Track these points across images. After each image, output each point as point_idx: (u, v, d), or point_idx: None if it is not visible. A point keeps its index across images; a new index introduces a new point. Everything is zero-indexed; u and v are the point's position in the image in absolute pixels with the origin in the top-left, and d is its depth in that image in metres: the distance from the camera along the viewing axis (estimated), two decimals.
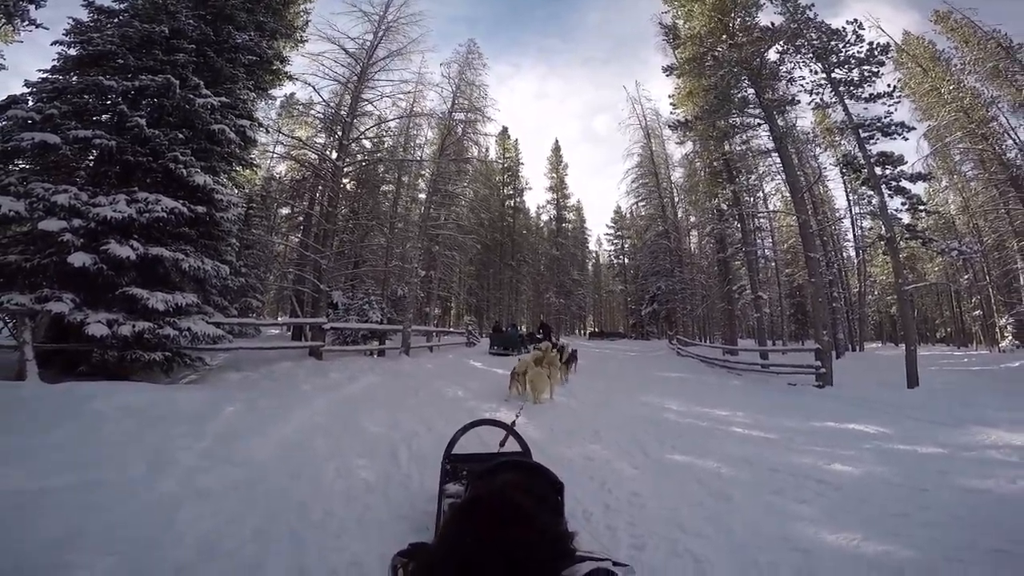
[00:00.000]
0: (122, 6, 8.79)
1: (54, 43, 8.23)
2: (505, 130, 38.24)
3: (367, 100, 16.61)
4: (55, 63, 8.22)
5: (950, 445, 5.34)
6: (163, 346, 7.25)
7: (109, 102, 7.99)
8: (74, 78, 7.94)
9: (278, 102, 19.79)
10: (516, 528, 0.89)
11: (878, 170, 12.88)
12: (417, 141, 22.56)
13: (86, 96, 7.86)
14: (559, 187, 42.71)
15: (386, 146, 20.64)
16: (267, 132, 15.06)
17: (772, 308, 28.31)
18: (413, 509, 3.42)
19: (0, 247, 6.96)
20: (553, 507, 1.07)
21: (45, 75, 8.02)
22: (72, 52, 8.24)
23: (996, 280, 23.31)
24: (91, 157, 8.12)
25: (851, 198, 25.35)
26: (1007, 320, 22.96)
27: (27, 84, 7.84)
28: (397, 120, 19.13)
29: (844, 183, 23.14)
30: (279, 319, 22.35)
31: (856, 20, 13.51)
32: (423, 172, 22.25)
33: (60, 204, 6.71)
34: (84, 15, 8.52)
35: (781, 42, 14.50)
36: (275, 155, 18.86)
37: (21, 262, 6.77)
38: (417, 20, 17.26)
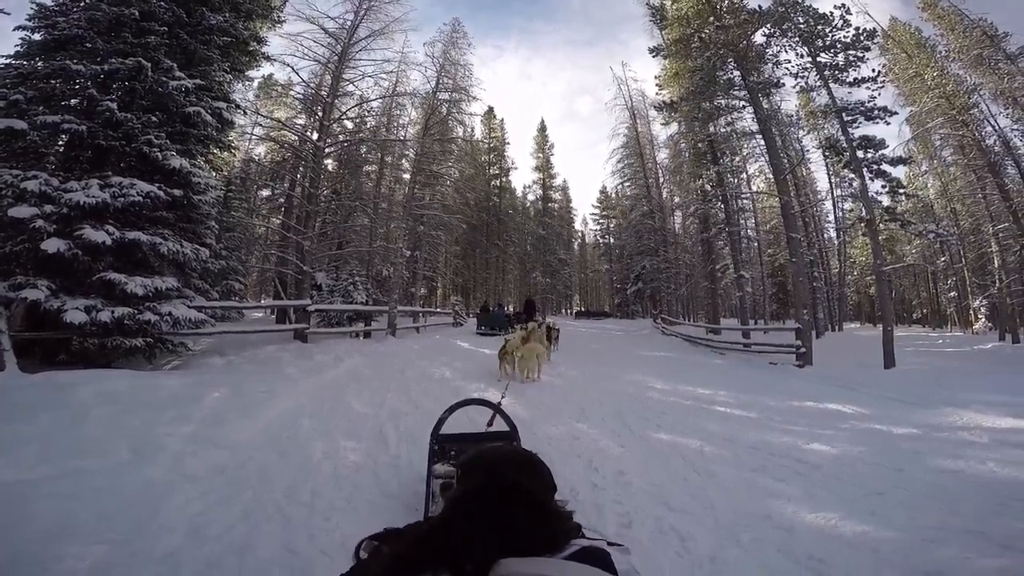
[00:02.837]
0: None
1: (16, 28, 7.89)
2: (491, 109, 37.88)
3: (348, 80, 16.25)
4: (18, 48, 7.90)
5: (924, 426, 5.48)
6: (144, 332, 7.14)
7: (78, 86, 7.71)
8: (39, 63, 7.65)
9: (256, 83, 19.24)
10: (517, 510, 0.91)
11: (860, 153, 13.03)
12: (401, 121, 22.20)
13: (53, 81, 7.62)
14: (545, 167, 42.56)
15: (368, 126, 20.25)
16: (245, 114, 14.61)
17: (754, 287, 28.80)
18: (403, 488, 3.46)
19: None
20: (549, 486, 1.09)
21: (8, 60, 7.73)
22: (37, 37, 7.92)
23: (971, 263, 23.90)
24: (61, 143, 7.87)
25: (833, 180, 25.77)
26: (981, 302, 23.63)
27: None
28: (380, 100, 18.77)
29: (826, 166, 23.39)
30: (262, 302, 22.05)
31: (844, 5, 13.53)
32: (407, 152, 21.94)
33: (30, 190, 6.52)
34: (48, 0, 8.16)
35: (768, 25, 14.48)
36: (254, 137, 18.43)
37: None
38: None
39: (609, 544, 0.96)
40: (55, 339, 6.88)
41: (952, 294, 28.36)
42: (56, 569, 2.30)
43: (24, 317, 6.88)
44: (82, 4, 8.22)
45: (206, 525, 2.81)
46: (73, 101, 7.70)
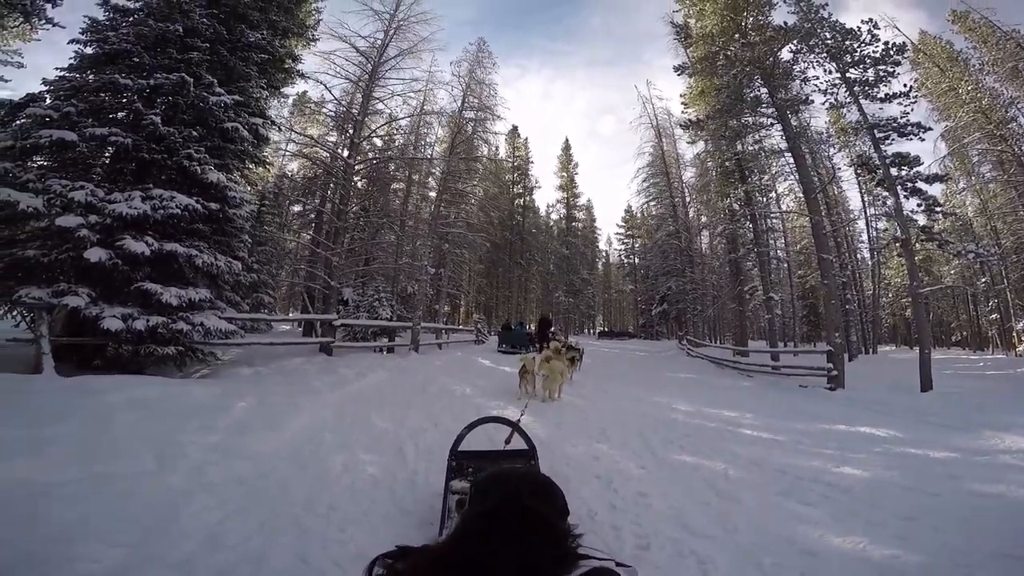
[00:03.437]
0: (137, 5, 8.88)
1: (71, 42, 8.36)
2: (515, 129, 38.27)
3: (378, 98, 16.70)
4: (72, 61, 8.33)
5: (962, 449, 5.26)
6: (176, 341, 7.35)
7: (125, 100, 8.08)
8: (90, 76, 8.05)
9: (290, 100, 20.06)
10: (534, 535, 0.90)
11: (893, 171, 12.69)
12: (428, 139, 22.64)
13: (102, 94, 7.97)
14: (569, 186, 42.64)
15: (397, 144, 20.74)
16: (279, 130, 15.24)
17: (784, 309, 28.05)
18: (419, 504, 3.45)
19: (19, 243, 7.07)
20: (562, 511, 1.09)
21: (62, 73, 8.14)
22: (88, 50, 8.35)
23: (1014, 284, 22.89)
24: (107, 154, 8.22)
25: (866, 199, 25.05)
26: None
27: (45, 82, 7.96)
28: (408, 118, 19.22)
29: (859, 184, 22.82)
30: (290, 315, 22.54)
31: (871, 20, 13.34)
32: (433, 170, 22.32)
33: (77, 200, 6.82)
34: (100, 14, 8.63)
35: (794, 41, 14.35)
36: (287, 153, 19.14)
37: (39, 257, 6.89)
38: (427, 19, 17.31)
39: (617, 565, 0.94)
40: (92, 345, 7.11)
41: (994, 316, 27.15)
42: (72, 570, 2.35)
43: (64, 323, 7.16)
44: (131, 19, 8.67)
45: (223, 534, 2.84)
46: (120, 114, 8.07)
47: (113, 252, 6.87)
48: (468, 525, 0.98)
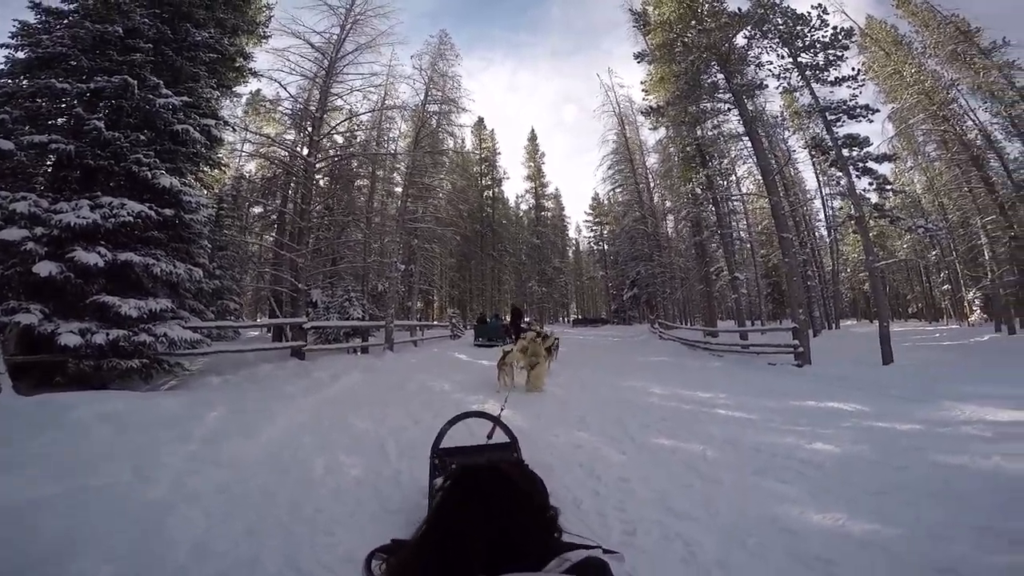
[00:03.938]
0: (71, 7, 8.44)
1: (0, 47, 7.91)
2: (481, 120, 38.11)
3: (337, 95, 16.30)
4: (2, 67, 7.90)
5: (925, 421, 5.47)
6: (140, 353, 7.11)
7: (64, 105, 7.73)
8: (24, 82, 7.67)
9: (244, 99, 19.32)
10: (511, 508, 0.88)
11: (845, 152, 13.21)
12: (391, 135, 22.29)
13: (38, 100, 7.61)
14: (537, 176, 42.73)
15: (359, 140, 20.29)
16: (234, 130, 14.68)
17: (749, 289, 28.92)
18: (405, 503, 3.43)
19: None
20: (543, 491, 1.07)
21: None
22: (20, 55, 7.94)
23: (962, 256, 24.08)
24: (49, 162, 7.84)
25: (821, 179, 25.93)
26: (975, 295, 23.80)
27: None
28: (369, 114, 18.82)
29: (813, 165, 23.57)
30: (258, 320, 21.94)
31: (820, 5, 13.79)
32: (398, 165, 21.96)
33: (20, 212, 6.49)
34: (31, 17, 8.17)
35: (748, 27, 14.71)
36: (244, 153, 18.48)
37: None
38: (385, 12, 16.97)
39: (604, 552, 0.94)
40: (50, 362, 6.81)
41: (946, 287, 28.59)
42: None
43: (18, 341, 6.81)
44: (65, 22, 8.24)
45: (210, 542, 2.79)
46: (60, 120, 7.72)
47: (64, 265, 6.55)
48: (443, 496, 0.95)
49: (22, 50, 7.93)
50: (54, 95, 7.57)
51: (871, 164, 13.25)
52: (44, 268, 6.37)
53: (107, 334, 6.56)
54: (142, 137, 7.89)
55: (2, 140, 6.77)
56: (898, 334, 14.18)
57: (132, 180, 7.72)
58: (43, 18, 8.27)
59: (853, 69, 13.89)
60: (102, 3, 8.35)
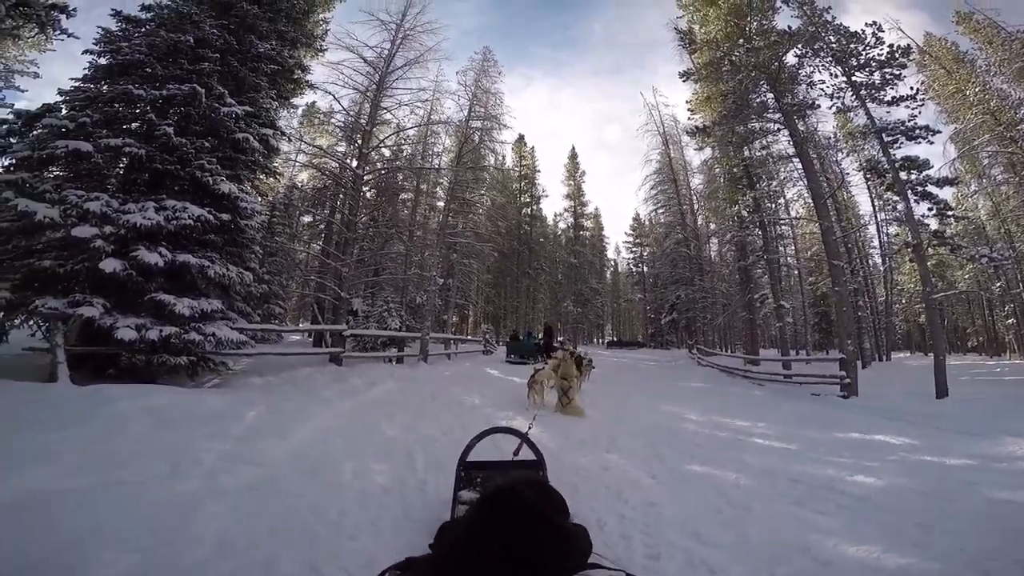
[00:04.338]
0: (148, 16, 9.02)
1: (84, 52, 8.47)
2: (521, 137, 38.48)
3: (386, 108, 16.95)
4: (86, 72, 8.43)
5: (979, 456, 5.18)
6: (188, 351, 7.42)
7: (138, 110, 8.18)
8: (104, 87, 8.18)
9: (299, 111, 20.33)
10: (530, 525, 0.90)
11: (903, 175, 12.61)
12: (435, 149, 22.86)
13: (116, 104, 8.07)
14: (576, 194, 42.64)
15: (405, 154, 20.94)
16: (289, 141, 15.44)
17: (795, 317, 27.75)
18: (427, 513, 3.43)
19: (36, 253, 7.19)
20: (563, 510, 1.08)
21: (77, 83, 8.26)
22: (102, 61, 8.48)
23: None
24: (121, 165, 8.31)
25: (876, 204, 24.82)
26: None
27: (60, 92, 8.08)
28: (415, 128, 19.47)
29: (868, 188, 22.66)
30: (301, 325, 22.66)
31: (875, 22, 13.36)
32: (441, 180, 22.48)
33: (92, 211, 6.90)
34: (113, 25, 8.73)
35: (799, 45, 14.35)
36: (297, 163, 19.37)
37: (55, 267, 7.00)
38: (432, 28, 17.61)
39: None
40: (106, 354, 7.19)
41: (1010, 321, 26.72)
42: (85, 575, 2.37)
43: (79, 332, 7.25)
44: (143, 30, 8.81)
45: (234, 540, 2.85)
46: (134, 125, 8.18)
47: (127, 263, 6.95)
48: (470, 513, 0.98)
49: (103, 56, 8.47)
50: (130, 100, 7.98)
51: (931, 188, 12.60)
52: (109, 265, 6.76)
53: (160, 330, 6.89)
54: (206, 144, 8.33)
55: (82, 142, 7.20)
56: (955, 367, 13.31)
57: (195, 185, 8.14)
58: (123, 26, 8.85)
59: (911, 88, 13.35)
60: (176, 13, 8.94)
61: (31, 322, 7.21)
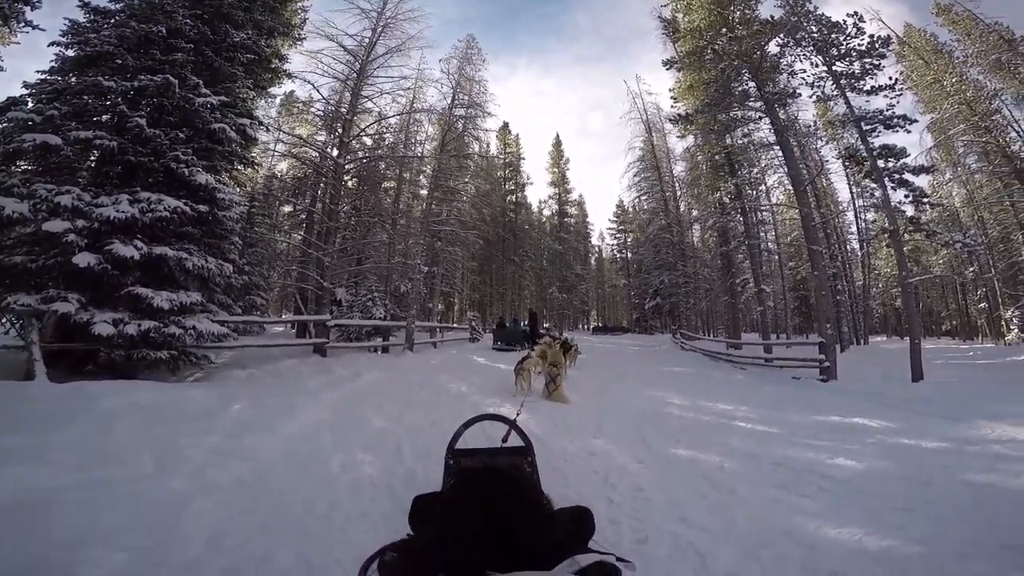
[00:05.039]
0: (118, 6, 8.78)
1: (51, 44, 8.23)
2: (506, 125, 38.23)
3: (367, 97, 16.65)
4: (53, 64, 8.20)
5: (955, 439, 5.31)
6: (169, 345, 7.30)
7: (109, 102, 7.99)
8: (73, 79, 7.95)
9: (278, 100, 19.94)
10: (510, 500, 0.91)
11: (881, 163, 12.85)
12: (418, 137, 22.63)
13: (85, 97, 7.88)
14: (561, 182, 42.64)
15: (387, 143, 20.65)
16: (268, 130, 15.11)
17: (776, 302, 28.29)
18: None
19: (6, 248, 6.98)
20: (538, 488, 1.10)
21: (43, 76, 8.02)
22: (70, 53, 8.24)
23: (1001, 273, 23.21)
24: (93, 158, 8.14)
25: (854, 191, 25.32)
26: (1013, 313, 22.87)
27: (26, 85, 7.84)
28: (397, 117, 19.22)
29: (847, 176, 23.04)
30: (283, 316, 22.40)
31: (856, 13, 13.52)
32: (424, 168, 22.29)
33: (63, 205, 6.74)
34: (80, 16, 8.51)
35: (781, 35, 14.46)
36: (276, 153, 18.98)
37: (27, 263, 6.82)
38: (414, 16, 17.32)
39: (618, 559, 0.95)
40: (83, 350, 7.06)
41: (982, 305, 27.56)
42: (76, 574, 2.35)
43: (54, 329, 7.09)
44: (112, 21, 8.56)
45: (225, 535, 2.83)
46: (104, 117, 7.98)
47: (102, 257, 6.79)
48: (448, 496, 0.99)
49: (71, 48, 8.22)
50: (100, 92, 7.81)
51: (908, 176, 12.86)
52: (83, 259, 6.60)
53: (139, 325, 6.77)
54: (181, 135, 8.15)
55: (51, 135, 7.02)
56: (930, 351, 13.70)
57: (170, 176, 7.98)
58: (92, 17, 8.60)
59: (890, 78, 13.57)
60: (147, 3, 8.67)
61: (4, 320, 7.03)
